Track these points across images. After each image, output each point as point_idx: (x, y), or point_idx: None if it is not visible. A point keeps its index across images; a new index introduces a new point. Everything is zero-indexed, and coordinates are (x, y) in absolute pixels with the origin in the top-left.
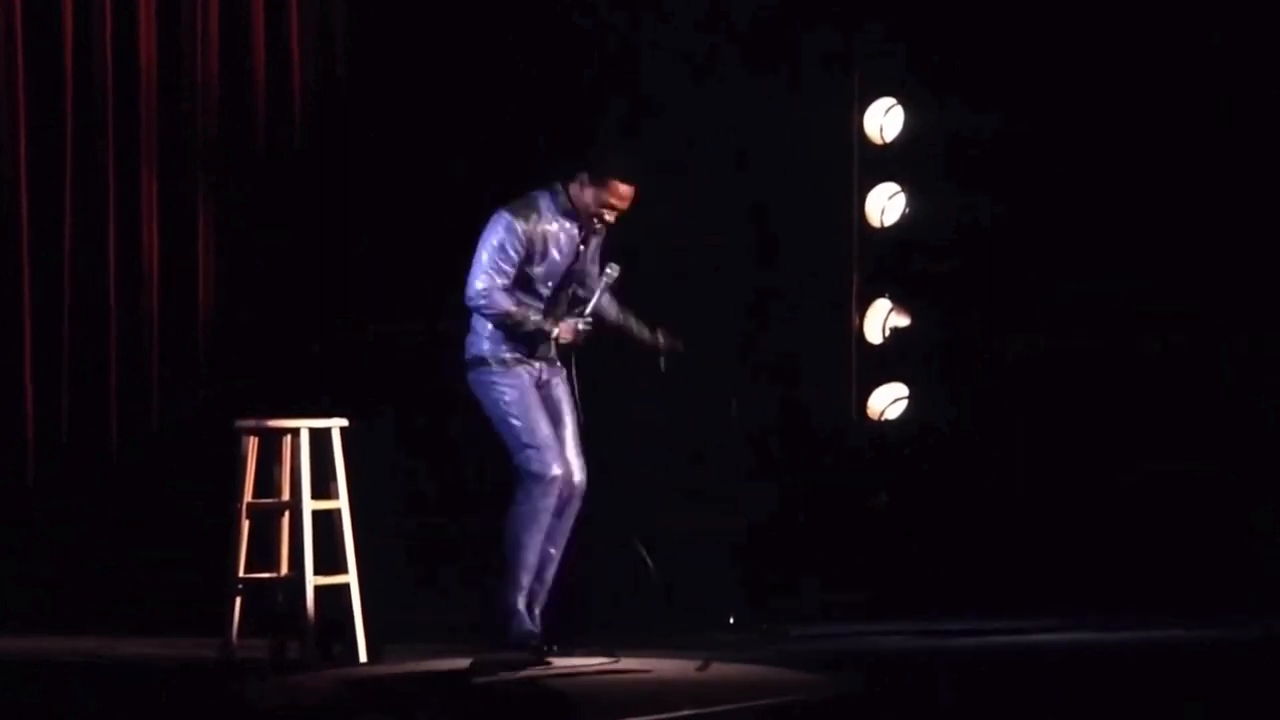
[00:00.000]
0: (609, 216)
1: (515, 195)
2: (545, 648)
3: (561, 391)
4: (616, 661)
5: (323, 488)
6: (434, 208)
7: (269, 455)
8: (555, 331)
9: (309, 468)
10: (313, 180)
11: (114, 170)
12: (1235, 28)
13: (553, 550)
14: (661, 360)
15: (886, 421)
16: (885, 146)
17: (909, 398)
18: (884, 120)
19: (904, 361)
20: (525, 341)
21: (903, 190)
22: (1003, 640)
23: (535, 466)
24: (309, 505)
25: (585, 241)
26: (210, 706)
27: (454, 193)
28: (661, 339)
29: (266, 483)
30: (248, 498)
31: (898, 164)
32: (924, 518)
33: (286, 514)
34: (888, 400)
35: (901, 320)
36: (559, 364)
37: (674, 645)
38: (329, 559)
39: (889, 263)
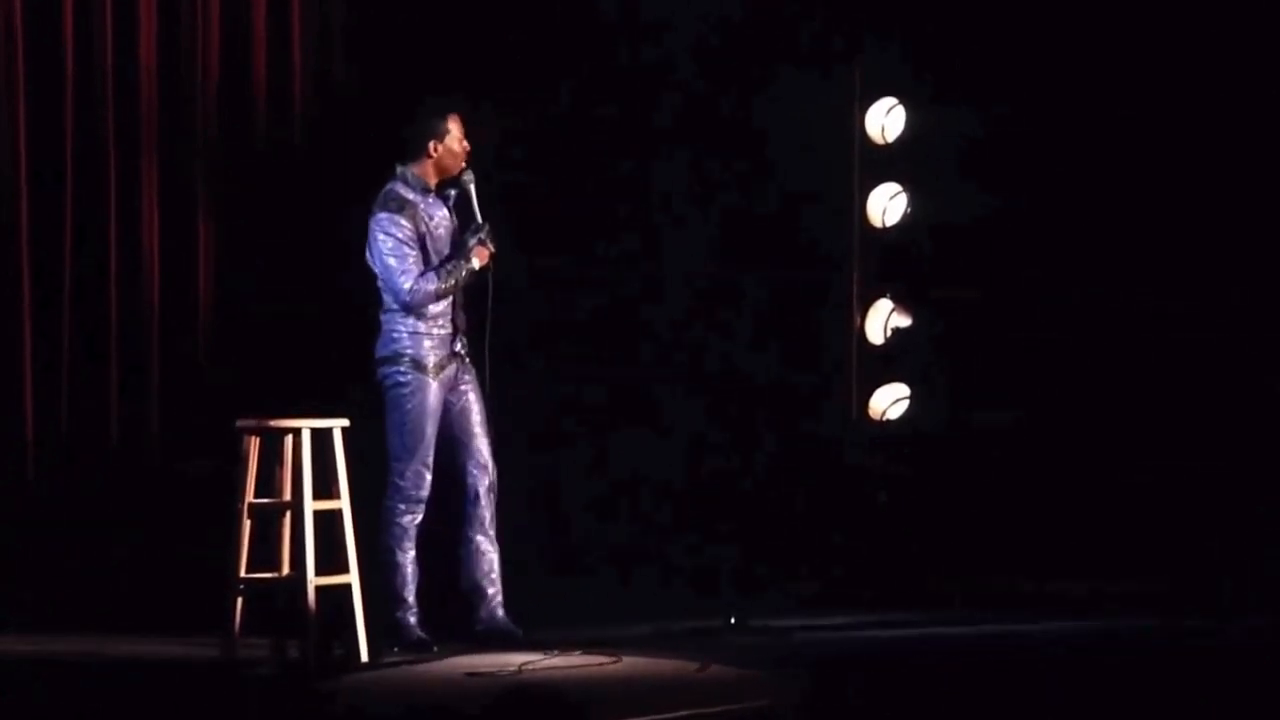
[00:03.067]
0: (467, 147)
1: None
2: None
3: (472, 395)
4: (617, 661)
5: (324, 488)
6: None
7: (270, 455)
8: (476, 263)
9: (310, 468)
10: (313, 180)
11: (114, 170)
12: (1235, 28)
13: (481, 538)
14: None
15: (887, 421)
16: (887, 146)
17: (909, 398)
18: (885, 120)
19: (905, 361)
20: (441, 341)
21: (904, 190)
22: (1002, 639)
23: (406, 484)
24: (310, 505)
25: (456, 205)
26: (212, 706)
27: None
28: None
29: (267, 482)
30: (249, 498)
31: (899, 164)
32: (923, 518)
33: (288, 514)
34: (888, 400)
35: (902, 320)
36: (469, 363)
37: (674, 645)
38: (330, 559)
39: (890, 263)
